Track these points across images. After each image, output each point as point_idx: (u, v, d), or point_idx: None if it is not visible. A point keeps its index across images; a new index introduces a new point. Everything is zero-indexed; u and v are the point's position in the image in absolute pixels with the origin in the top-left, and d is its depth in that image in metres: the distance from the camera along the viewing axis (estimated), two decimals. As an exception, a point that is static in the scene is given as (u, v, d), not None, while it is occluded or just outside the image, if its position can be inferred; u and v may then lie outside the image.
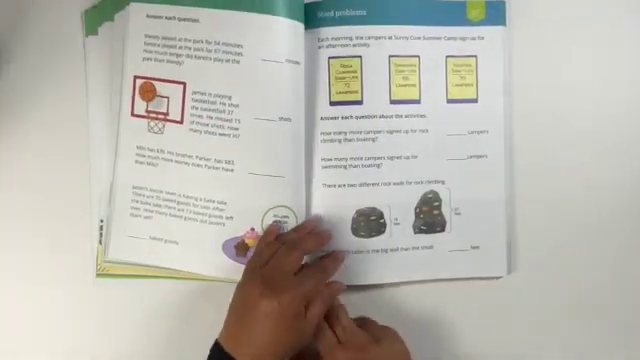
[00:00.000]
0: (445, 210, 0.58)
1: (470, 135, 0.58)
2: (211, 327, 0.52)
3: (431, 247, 0.58)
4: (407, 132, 0.57)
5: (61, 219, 0.59)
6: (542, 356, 0.59)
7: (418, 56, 0.58)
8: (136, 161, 0.57)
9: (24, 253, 0.59)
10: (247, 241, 0.56)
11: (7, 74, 0.60)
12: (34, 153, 0.60)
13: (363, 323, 0.54)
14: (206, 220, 0.57)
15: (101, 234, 0.58)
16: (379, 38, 0.57)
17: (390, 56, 0.57)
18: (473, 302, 0.59)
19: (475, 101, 0.58)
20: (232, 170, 0.56)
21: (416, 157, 0.58)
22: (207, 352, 0.51)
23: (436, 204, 0.58)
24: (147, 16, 0.57)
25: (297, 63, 0.56)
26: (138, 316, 0.59)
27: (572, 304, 0.60)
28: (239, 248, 0.56)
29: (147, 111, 0.57)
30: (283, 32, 0.55)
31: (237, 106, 0.56)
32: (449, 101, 0.58)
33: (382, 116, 0.57)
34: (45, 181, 0.59)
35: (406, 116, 0.57)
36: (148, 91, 0.57)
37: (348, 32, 0.57)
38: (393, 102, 0.57)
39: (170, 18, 0.56)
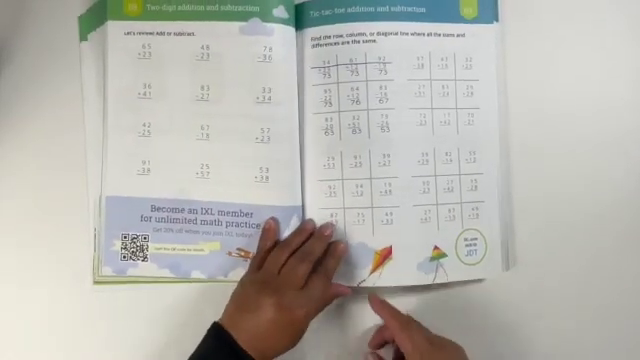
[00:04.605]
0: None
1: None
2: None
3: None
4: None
5: (59, 224, 0.59)
6: (542, 353, 0.59)
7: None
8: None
9: (22, 260, 0.59)
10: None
11: (6, 76, 0.60)
12: (33, 156, 0.59)
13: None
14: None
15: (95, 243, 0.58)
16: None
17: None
18: (470, 300, 0.59)
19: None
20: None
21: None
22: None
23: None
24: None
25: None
26: (137, 320, 0.59)
27: (569, 302, 0.59)
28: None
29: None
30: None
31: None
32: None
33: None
34: (43, 185, 0.59)
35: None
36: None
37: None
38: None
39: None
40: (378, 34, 0.57)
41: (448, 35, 0.59)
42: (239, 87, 0.57)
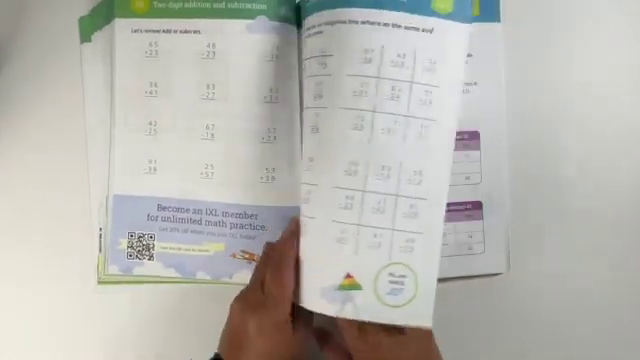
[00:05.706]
0: None
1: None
2: (215, 329, 0.52)
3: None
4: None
5: (61, 225, 0.59)
6: (543, 353, 0.59)
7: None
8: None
9: (22, 260, 0.59)
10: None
11: (5, 77, 0.60)
12: (32, 156, 0.59)
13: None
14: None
15: (101, 242, 0.58)
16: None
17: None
18: (472, 299, 0.58)
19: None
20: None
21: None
22: (211, 354, 0.51)
23: None
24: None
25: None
26: (141, 321, 0.59)
27: (569, 303, 0.59)
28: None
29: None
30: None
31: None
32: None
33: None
34: (46, 185, 0.59)
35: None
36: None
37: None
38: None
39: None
40: (326, 24, 0.49)
41: (411, 28, 0.48)
42: (245, 86, 0.57)
